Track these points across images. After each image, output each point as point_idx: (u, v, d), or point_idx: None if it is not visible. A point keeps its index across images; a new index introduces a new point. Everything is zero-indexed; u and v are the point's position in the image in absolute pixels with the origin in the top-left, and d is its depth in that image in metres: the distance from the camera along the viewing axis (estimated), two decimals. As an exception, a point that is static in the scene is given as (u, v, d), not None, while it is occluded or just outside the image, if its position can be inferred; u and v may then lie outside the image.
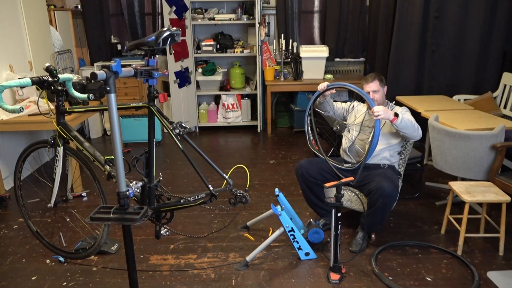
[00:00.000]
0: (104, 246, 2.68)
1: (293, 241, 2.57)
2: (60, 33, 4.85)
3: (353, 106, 2.95)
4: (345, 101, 5.29)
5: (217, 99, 5.67)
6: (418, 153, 3.37)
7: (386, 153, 2.74)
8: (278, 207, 2.55)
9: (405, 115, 2.63)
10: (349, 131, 2.88)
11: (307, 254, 2.59)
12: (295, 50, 5.22)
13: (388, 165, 2.77)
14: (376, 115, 2.45)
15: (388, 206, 2.52)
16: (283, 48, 5.19)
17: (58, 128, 2.37)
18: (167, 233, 2.27)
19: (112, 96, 1.59)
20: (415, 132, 2.57)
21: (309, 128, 2.91)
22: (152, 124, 2.11)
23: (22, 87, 2.12)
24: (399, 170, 2.86)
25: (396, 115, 2.50)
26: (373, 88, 2.71)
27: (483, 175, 2.83)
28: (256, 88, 5.31)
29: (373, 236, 2.78)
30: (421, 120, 3.75)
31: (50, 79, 2.20)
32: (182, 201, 2.18)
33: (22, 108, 2.10)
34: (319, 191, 2.80)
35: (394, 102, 3.14)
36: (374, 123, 2.55)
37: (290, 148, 4.75)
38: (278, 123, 5.66)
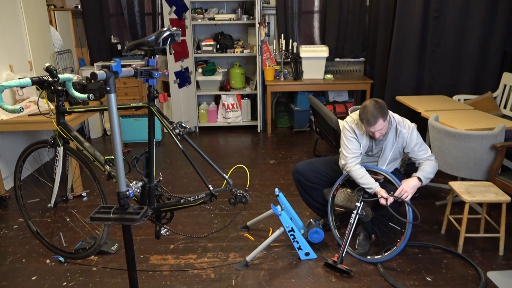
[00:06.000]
0: (104, 246, 2.68)
1: (293, 241, 2.57)
2: (60, 33, 4.85)
3: (356, 135, 2.60)
4: (345, 102, 5.32)
5: (217, 99, 5.67)
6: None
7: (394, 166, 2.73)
8: (278, 207, 2.55)
9: (425, 167, 2.50)
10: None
11: (307, 254, 2.59)
12: (295, 50, 5.22)
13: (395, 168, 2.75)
14: (405, 197, 2.41)
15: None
16: (283, 48, 5.19)
17: (58, 128, 2.37)
18: (167, 233, 2.27)
19: (112, 96, 1.59)
20: (436, 170, 2.55)
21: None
22: (152, 124, 2.11)
23: (22, 87, 2.12)
24: (400, 170, 2.86)
25: (420, 179, 2.45)
26: (378, 128, 2.42)
27: (483, 175, 2.83)
28: (256, 88, 5.31)
29: (373, 236, 2.78)
30: (421, 120, 3.76)
31: (50, 79, 2.20)
32: (182, 201, 2.18)
33: (22, 108, 2.10)
34: (316, 194, 2.80)
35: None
36: (381, 147, 2.58)
37: (290, 148, 4.75)
38: (278, 123, 5.65)
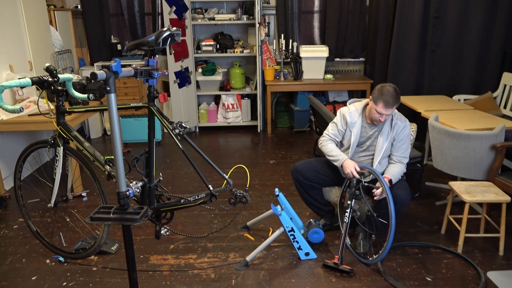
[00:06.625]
0: (104, 246, 2.68)
1: (293, 241, 2.57)
2: (60, 33, 4.85)
3: (346, 123, 2.64)
4: (345, 102, 5.31)
5: (217, 99, 5.67)
6: (418, 153, 3.37)
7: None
8: (278, 207, 2.55)
9: (396, 170, 2.57)
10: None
11: (307, 254, 2.59)
12: (295, 50, 5.22)
13: None
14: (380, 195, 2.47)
15: (401, 211, 2.52)
16: (283, 48, 5.19)
17: (58, 128, 2.37)
18: (167, 233, 2.27)
19: (112, 96, 1.59)
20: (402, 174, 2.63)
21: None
22: (152, 124, 2.11)
23: (22, 87, 2.12)
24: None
25: (390, 181, 2.52)
26: (390, 113, 2.47)
27: (483, 175, 2.83)
28: (256, 88, 5.31)
29: (373, 236, 2.78)
30: (421, 120, 3.76)
31: (50, 79, 2.20)
32: (182, 201, 2.18)
33: (22, 108, 2.10)
34: (315, 194, 2.80)
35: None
36: (375, 139, 2.62)
37: (290, 148, 4.75)
38: (278, 123, 5.65)
